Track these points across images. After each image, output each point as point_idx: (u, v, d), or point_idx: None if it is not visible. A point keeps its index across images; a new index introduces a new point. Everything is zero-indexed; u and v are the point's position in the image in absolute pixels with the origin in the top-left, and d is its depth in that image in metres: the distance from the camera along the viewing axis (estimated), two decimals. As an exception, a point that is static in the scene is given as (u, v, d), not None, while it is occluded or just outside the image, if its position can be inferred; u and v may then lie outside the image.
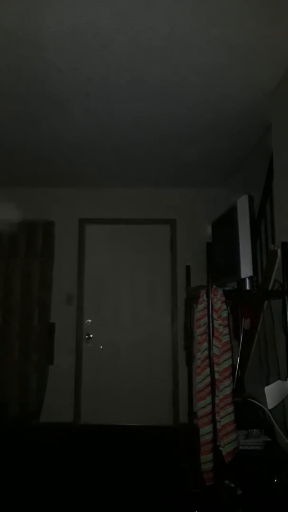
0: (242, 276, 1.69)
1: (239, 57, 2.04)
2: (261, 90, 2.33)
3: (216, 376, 1.59)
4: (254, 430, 1.69)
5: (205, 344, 1.64)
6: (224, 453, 1.53)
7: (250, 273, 1.69)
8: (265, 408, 1.64)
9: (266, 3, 1.68)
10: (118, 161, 3.47)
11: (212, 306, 1.62)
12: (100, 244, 4.20)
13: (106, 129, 2.86)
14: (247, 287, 1.75)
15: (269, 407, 1.60)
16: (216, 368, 1.59)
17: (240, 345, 2.06)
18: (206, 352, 1.63)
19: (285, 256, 1.71)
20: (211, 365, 1.60)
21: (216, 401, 1.57)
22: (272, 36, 1.88)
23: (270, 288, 1.90)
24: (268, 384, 1.63)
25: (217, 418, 1.56)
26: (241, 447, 1.63)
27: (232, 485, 1.53)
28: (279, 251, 1.85)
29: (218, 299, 1.63)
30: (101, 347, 4.06)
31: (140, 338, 4.04)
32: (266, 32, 1.85)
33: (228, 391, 1.56)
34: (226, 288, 1.78)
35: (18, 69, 2.14)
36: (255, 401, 1.73)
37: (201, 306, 1.69)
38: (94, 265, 4.15)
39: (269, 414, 1.65)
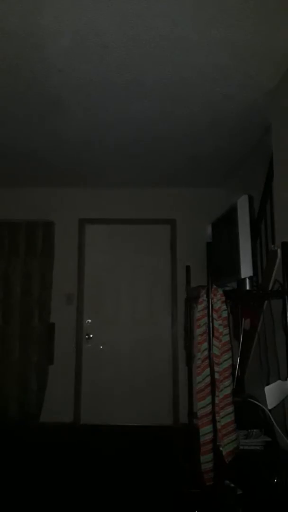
0: (242, 276, 1.69)
1: (239, 57, 2.04)
2: (261, 90, 2.33)
3: (216, 376, 1.59)
4: (254, 430, 1.69)
5: (205, 344, 1.64)
6: (224, 453, 1.53)
7: (250, 273, 1.69)
8: (265, 408, 1.64)
9: (266, 4, 1.68)
10: (118, 161, 3.47)
11: (212, 306, 1.62)
12: (100, 244, 4.20)
13: (106, 129, 2.86)
14: (247, 287, 1.75)
15: (269, 407, 1.60)
16: (216, 368, 1.59)
17: (240, 345, 2.06)
18: (206, 352, 1.63)
19: (285, 256, 1.71)
20: (211, 365, 1.60)
21: (216, 401, 1.57)
22: (272, 36, 1.88)
23: (270, 288, 1.90)
24: (268, 384, 1.63)
25: (217, 418, 1.56)
26: (241, 447, 1.63)
27: (232, 485, 1.53)
28: (279, 251, 1.85)
29: (218, 299, 1.63)
30: (101, 347, 4.06)
31: (140, 338, 4.05)
32: (266, 32, 1.85)
33: (228, 391, 1.56)
34: (226, 288, 1.78)
35: (18, 69, 2.14)
36: (255, 401, 1.72)
37: (201, 306, 1.69)
38: (94, 265, 4.15)
39: (269, 414, 1.65)
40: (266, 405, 1.60)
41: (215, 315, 1.62)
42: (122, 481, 2.68)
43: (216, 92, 2.36)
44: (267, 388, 1.59)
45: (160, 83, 2.28)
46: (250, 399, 1.75)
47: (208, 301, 1.63)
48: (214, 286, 1.66)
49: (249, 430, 1.68)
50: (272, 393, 1.59)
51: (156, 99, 2.44)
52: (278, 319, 1.81)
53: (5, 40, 1.91)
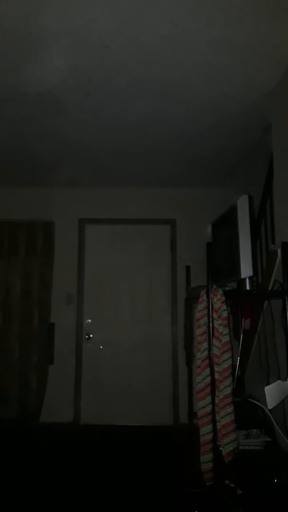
0: (242, 276, 1.69)
1: (239, 57, 2.04)
2: (261, 90, 2.33)
3: (216, 376, 1.59)
4: (254, 430, 1.69)
5: (205, 344, 1.64)
6: (224, 453, 1.52)
7: (250, 273, 1.68)
8: (265, 408, 1.64)
9: (266, 4, 1.68)
10: (118, 161, 3.47)
11: (212, 306, 1.62)
12: (100, 244, 4.20)
13: (106, 129, 2.86)
14: (247, 287, 1.74)
15: (269, 407, 1.60)
16: (216, 368, 1.59)
17: (240, 345, 2.06)
18: (206, 352, 1.63)
19: (285, 256, 1.71)
20: (211, 365, 1.60)
21: (216, 401, 1.57)
22: (272, 36, 1.88)
23: (270, 288, 1.90)
24: (268, 384, 1.63)
25: (217, 418, 1.56)
26: (241, 447, 1.63)
27: (232, 485, 1.53)
28: (279, 251, 1.85)
29: (218, 299, 1.63)
30: (101, 347, 4.06)
31: (140, 338, 4.04)
32: (266, 32, 1.85)
33: (228, 391, 1.56)
34: (226, 288, 1.78)
35: (18, 69, 2.14)
36: (255, 401, 1.73)
37: (201, 306, 1.69)
38: (94, 265, 4.15)
39: (269, 414, 1.65)
40: (266, 405, 1.60)
41: (215, 315, 1.62)
42: (122, 481, 2.68)
43: (216, 92, 2.36)
44: (267, 388, 1.59)
45: (160, 83, 2.28)
46: (250, 399, 1.75)
47: (208, 301, 1.63)
48: (214, 286, 1.66)
49: (249, 430, 1.68)
50: (272, 393, 1.59)
51: (156, 99, 2.44)
52: (278, 319, 1.81)
53: (5, 40, 1.91)
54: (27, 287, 3.98)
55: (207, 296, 1.64)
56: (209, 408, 1.58)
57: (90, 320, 4.09)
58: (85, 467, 2.91)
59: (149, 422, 3.80)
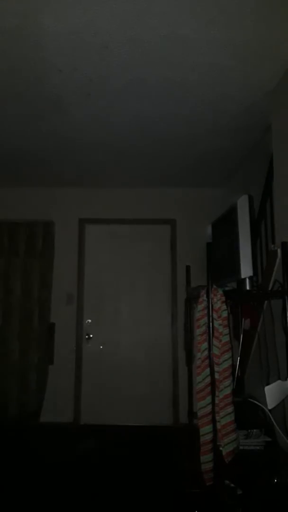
0: (242, 276, 1.69)
1: (239, 57, 2.04)
2: (261, 90, 2.33)
3: (216, 376, 1.59)
4: (254, 430, 1.69)
5: (205, 344, 1.64)
6: (224, 453, 1.53)
7: (250, 273, 1.69)
8: (265, 408, 1.64)
9: (266, 3, 1.68)
10: (118, 161, 3.47)
11: (212, 306, 1.62)
12: (100, 244, 4.20)
13: (106, 129, 2.86)
14: (247, 287, 1.75)
15: (269, 407, 1.60)
16: (216, 368, 1.59)
17: (240, 345, 2.06)
18: (206, 352, 1.63)
19: (285, 256, 1.71)
20: (211, 365, 1.60)
21: (216, 401, 1.57)
22: (272, 36, 1.88)
23: (270, 288, 1.90)
24: (268, 384, 1.63)
25: (217, 418, 1.56)
26: (241, 447, 1.63)
27: (232, 485, 1.53)
28: (279, 251, 1.85)
29: (218, 299, 1.63)
30: (101, 347, 4.06)
31: (140, 338, 4.05)
32: (266, 32, 1.85)
33: (228, 391, 1.56)
34: (226, 288, 1.78)
35: (18, 69, 2.14)
36: (255, 401, 1.73)
37: (201, 306, 1.69)
38: (94, 265, 4.15)
39: (269, 414, 1.65)
40: (266, 405, 1.60)
41: (215, 315, 1.62)
42: (122, 481, 2.68)
43: (216, 92, 2.36)
44: (267, 388, 1.59)
45: (160, 83, 2.27)
46: (250, 399, 1.75)
47: (208, 301, 1.64)
48: (214, 286, 1.66)
49: (249, 430, 1.68)
50: (272, 393, 1.59)
51: (156, 99, 2.44)
52: (278, 319, 1.81)
53: (5, 40, 1.91)
54: (27, 287, 3.98)
55: (207, 296, 1.64)
56: (209, 408, 1.58)
57: (90, 320, 4.09)
58: (85, 467, 2.91)
59: (149, 422, 3.80)
